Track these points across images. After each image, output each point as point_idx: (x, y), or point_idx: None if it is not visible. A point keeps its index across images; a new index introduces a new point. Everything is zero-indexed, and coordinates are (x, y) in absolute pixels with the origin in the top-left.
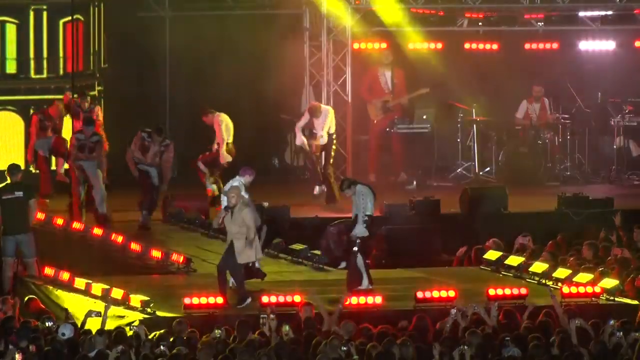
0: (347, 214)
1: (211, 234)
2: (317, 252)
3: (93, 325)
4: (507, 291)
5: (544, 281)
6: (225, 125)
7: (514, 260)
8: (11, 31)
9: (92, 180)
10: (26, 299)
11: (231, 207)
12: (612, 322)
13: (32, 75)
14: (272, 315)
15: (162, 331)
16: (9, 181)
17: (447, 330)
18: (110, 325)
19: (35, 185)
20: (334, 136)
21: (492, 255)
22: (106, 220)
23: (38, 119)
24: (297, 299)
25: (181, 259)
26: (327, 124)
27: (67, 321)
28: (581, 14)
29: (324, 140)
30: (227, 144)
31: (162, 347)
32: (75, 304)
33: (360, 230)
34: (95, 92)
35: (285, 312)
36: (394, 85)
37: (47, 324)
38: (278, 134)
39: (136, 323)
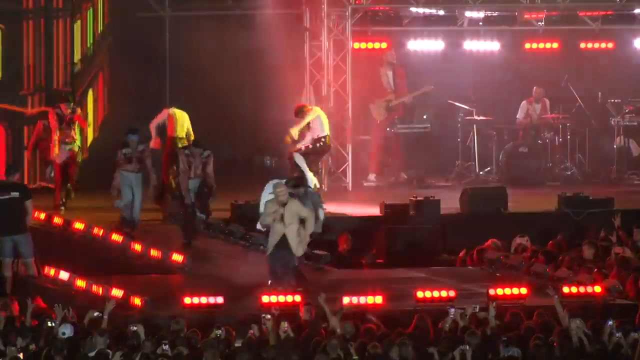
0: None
1: (211, 234)
2: (318, 252)
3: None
4: (507, 291)
5: (544, 281)
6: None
7: (514, 260)
8: None
9: (136, 192)
10: (29, 298)
11: (284, 203)
12: (611, 322)
13: None
14: (267, 316)
15: (161, 332)
16: (5, 181)
17: (446, 329)
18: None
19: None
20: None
21: (492, 255)
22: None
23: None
24: (297, 299)
25: (181, 259)
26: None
27: (67, 320)
28: (581, 13)
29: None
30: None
31: (164, 347)
32: None
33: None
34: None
35: (285, 312)
36: (396, 85)
37: (48, 323)
38: (279, 134)
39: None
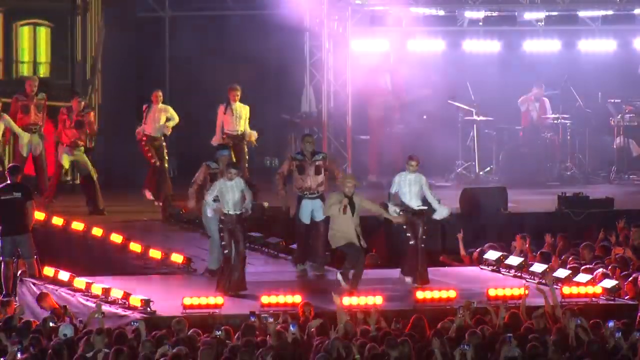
0: None
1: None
2: None
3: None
4: (507, 291)
5: (544, 281)
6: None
7: (514, 260)
8: None
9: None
10: (39, 294)
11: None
12: (612, 322)
13: None
14: (270, 319)
15: (162, 331)
16: (8, 182)
17: (454, 329)
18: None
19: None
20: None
21: (492, 255)
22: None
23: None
24: (298, 299)
25: (181, 259)
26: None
27: (67, 319)
28: (581, 13)
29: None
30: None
31: (165, 347)
32: None
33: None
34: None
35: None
36: (394, 85)
37: (50, 324)
38: (279, 134)
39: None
